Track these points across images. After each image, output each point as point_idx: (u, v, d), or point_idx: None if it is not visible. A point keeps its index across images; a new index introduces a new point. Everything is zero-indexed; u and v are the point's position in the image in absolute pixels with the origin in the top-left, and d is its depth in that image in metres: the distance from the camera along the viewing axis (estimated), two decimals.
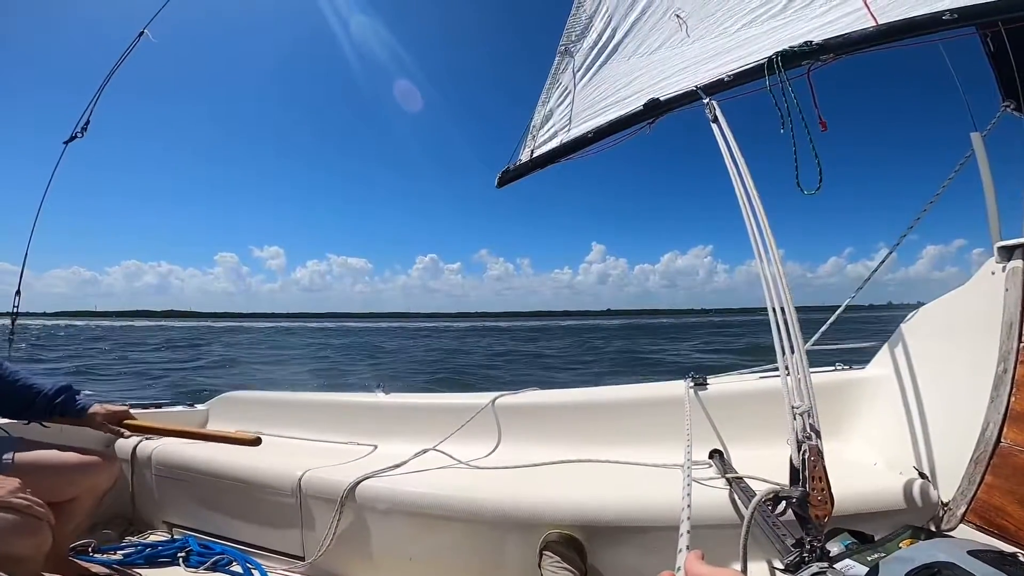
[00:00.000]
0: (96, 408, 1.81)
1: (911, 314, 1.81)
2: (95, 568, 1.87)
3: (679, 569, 0.71)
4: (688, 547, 0.80)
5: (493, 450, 2.36)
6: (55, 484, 1.62)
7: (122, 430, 1.83)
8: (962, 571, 0.83)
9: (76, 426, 1.82)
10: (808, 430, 1.09)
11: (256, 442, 1.79)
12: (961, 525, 1.32)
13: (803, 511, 0.96)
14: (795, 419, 1.12)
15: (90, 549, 2.10)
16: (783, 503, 0.99)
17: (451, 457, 2.21)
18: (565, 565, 1.56)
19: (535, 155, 2.98)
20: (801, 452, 1.04)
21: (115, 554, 2.11)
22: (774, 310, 1.32)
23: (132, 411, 2.82)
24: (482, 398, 2.51)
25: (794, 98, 2.02)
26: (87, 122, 3.03)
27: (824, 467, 1.02)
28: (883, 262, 2.35)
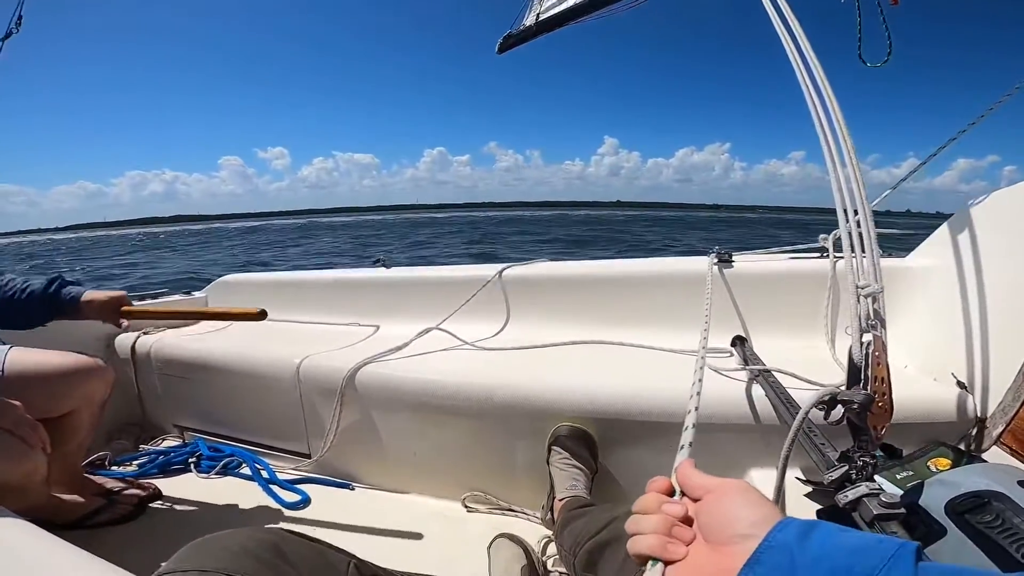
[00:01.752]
0: (91, 294, 1.65)
1: (969, 202, 1.55)
2: (112, 482, 1.82)
3: (674, 472, 0.56)
4: (691, 444, 0.64)
5: (501, 329, 2.26)
6: (47, 397, 1.51)
7: (121, 320, 1.68)
8: (1011, 503, 0.72)
9: (73, 320, 1.67)
10: (874, 317, 0.90)
11: (262, 315, 1.65)
12: (995, 447, 1.18)
13: (862, 420, 0.81)
14: (859, 302, 0.93)
15: (107, 463, 2.08)
16: (839, 408, 0.84)
17: (456, 337, 2.10)
18: (575, 462, 1.49)
19: (541, 18, 2.68)
20: (864, 345, 0.87)
21: (131, 465, 2.10)
22: (835, 171, 1.08)
23: (139, 303, 2.70)
24: (489, 270, 2.36)
25: None
26: (20, 16, 2.67)
27: (888, 365, 0.86)
28: (914, 171, 2.05)
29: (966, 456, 1.12)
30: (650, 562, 0.48)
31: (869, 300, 0.91)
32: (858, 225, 1.03)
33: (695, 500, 0.52)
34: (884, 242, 1.91)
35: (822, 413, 0.87)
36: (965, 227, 1.53)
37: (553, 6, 2.73)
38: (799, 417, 0.83)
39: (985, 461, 1.09)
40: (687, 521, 0.50)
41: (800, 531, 0.42)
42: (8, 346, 1.58)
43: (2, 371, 1.50)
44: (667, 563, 0.47)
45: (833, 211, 1.08)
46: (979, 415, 1.25)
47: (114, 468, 2.06)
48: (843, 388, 0.87)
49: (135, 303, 2.69)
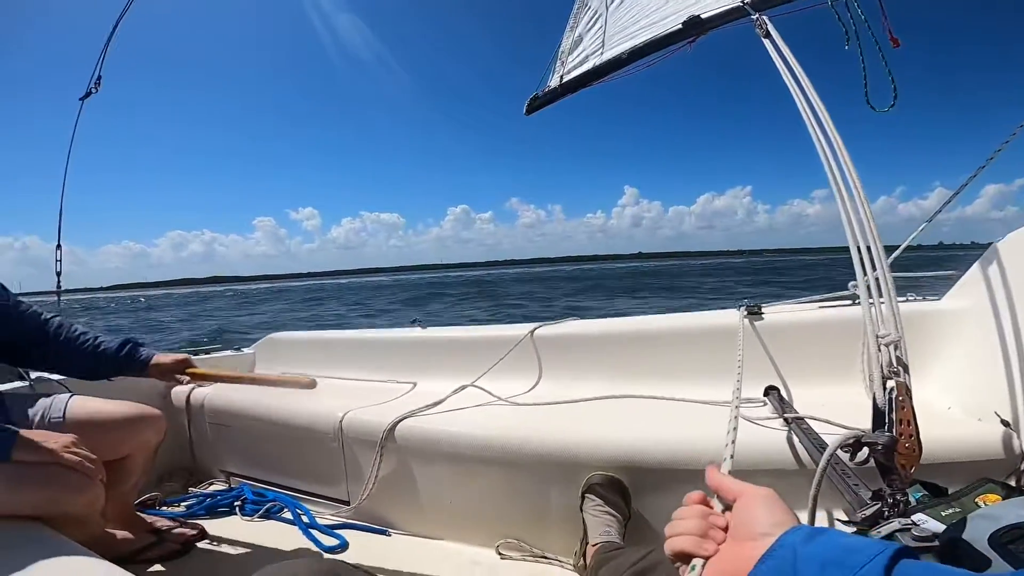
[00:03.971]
0: (159, 358, 1.80)
1: (1003, 239, 1.57)
2: (161, 521, 1.92)
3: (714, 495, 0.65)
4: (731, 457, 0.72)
5: (534, 385, 2.31)
6: (106, 441, 1.61)
7: (183, 377, 1.82)
8: None
9: (136, 378, 1.81)
10: (896, 364, 0.95)
11: (311, 385, 1.77)
12: None
13: (888, 460, 0.85)
14: (879, 351, 0.98)
15: (157, 503, 2.20)
16: (864, 449, 0.88)
17: (490, 393, 2.17)
18: (608, 509, 1.51)
19: (564, 80, 2.82)
20: (887, 391, 0.91)
21: (179, 506, 2.20)
22: (851, 223, 1.14)
23: (192, 357, 2.87)
24: (520, 329, 2.44)
25: (860, 12, 1.82)
26: (99, 77, 2.97)
27: (913, 408, 0.90)
28: (947, 203, 2.09)
29: (1016, 491, 1.12)
30: (693, 562, 0.56)
31: (891, 348, 0.96)
32: (875, 270, 1.08)
33: (727, 506, 0.61)
34: (921, 284, 1.93)
35: (861, 458, 0.91)
36: (996, 265, 1.55)
37: (575, 67, 2.88)
38: (824, 458, 0.87)
39: None
40: (720, 526, 0.59)
41: (808, 534, 0.50)
42: (70, 394, 1.72)
43: (63, 417, 1.63)
44: (704, 559, 0.56)
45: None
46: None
47: (164, 508, 2.16)
48: (868, 431, 0.91)
49: (189, 355, 2.85)
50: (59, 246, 2.88)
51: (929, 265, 2.02)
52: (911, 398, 0.91)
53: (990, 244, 1.58)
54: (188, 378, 1.82)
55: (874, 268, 1.10)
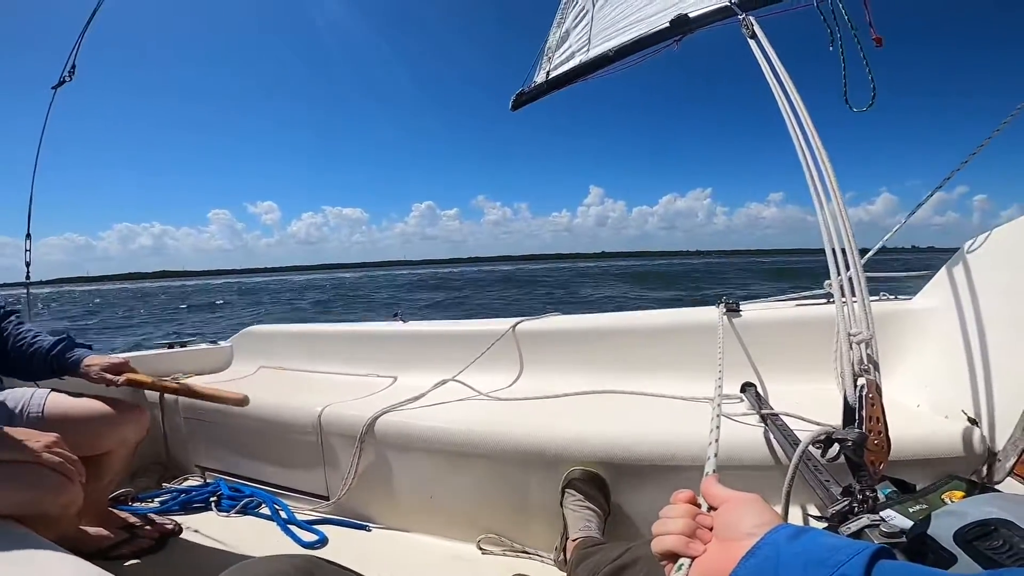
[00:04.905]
0: (91, 359, 1.73)
1: (969, 241, 1.62)
2: (134, 517, 1.89)
3: (701, 487, 0.68)
4: (715, 470, 0.74)
5: (515, 380, 2.31)
6: (86, 438, 1.59)
7: (116, 379, 1.74)
8: (1018, 529, 0.76)
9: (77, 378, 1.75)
10: (866, 362, 0.97)
11: (243, 402, 1.75)
12: (1008, 479, 1.22)
13: (858, 456, 0.86)
14: (851, 348, 1.00)
15: (130, 499, 2.16)
16: (835, 446, 0.89)
17: (471, 388, 2.17)
18: (588, 504, 1.52)
19: (551, 76, 2.82)
20: (858, 388, 0.93)
21: (152, 501, 2.17)
22: (825, 223, 1.17)
23: (155, 352, 2.82)
24: (502, 324, 2.44)
25: (844, 12, 1.83)
26: (73, 65, 2.94)
27: (883, 405, 0.92)
28: (922, 203, 2.12)
29: (979, 488, 1.14)
30: (680, 562, 0.57)
31: (862, 346, 0.97)
32: (848, 269, 1.10)
33: (714, 509, 0.63)
34: (895, 284, 1.96)
35: (832, 454, 0.93)
36: (966, 267, 1.59)
37: (562, 63, 2.88)
38: (796, 454, 0.89)
39: (999, 491, 1.12)
40: (707, 526, 0.61)
41: (791, 533, 0.52)
42: (48, 390, 1.68)
43: (42, 413, 1.60)
44: (691, 559, 0.57)
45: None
46: (991, 449, 1.29)
47: (136, 504, 2.12)
48: (839, 428, 0.92)
49: (164, 352, 2.80)
50: (28, 236, 2.84)
51: (877, 266, 2.06)
52: (881, 395, 0.92)
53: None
54: (121, 381, 1.74)
55: (848, 268, 1.12)
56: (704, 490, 0.66)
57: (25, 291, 2.93)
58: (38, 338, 1.71)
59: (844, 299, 1.08)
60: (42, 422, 1.56)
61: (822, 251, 1.17)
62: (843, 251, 1.15)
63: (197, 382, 2.46)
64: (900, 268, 2.08)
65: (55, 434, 1.37)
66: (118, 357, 1.80)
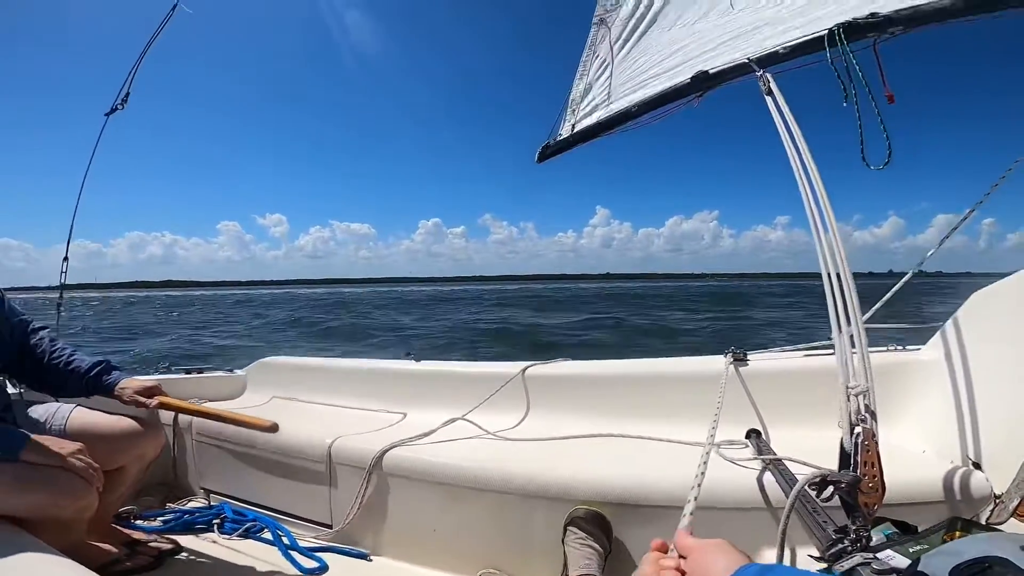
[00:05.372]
0: (126, 383, 1.81)
1: (974, 294, 1.67)
2: (137, 535, 1.92)
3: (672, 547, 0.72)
4: (692, 513, 0.78)
5: (522, 421, 2.33)
6: (105, 452, 1.63)
7: (150, 402, 1.82)
8: (1014, 567, 0.77)
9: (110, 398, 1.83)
10: (863, 411, 1.01)
11: (273, 428, 1.79)
12: (1012, 519, 1.24)
13: (852, 498, 0.89)
14: (849, 399, 1.04)
15: (132, 516, 2.18)
16: (830, 488, 0.92)
17: (479, 427, 2.19)
18: (590, 542, 1.53)
19: (576, 129, 2.90)
20: (854, 435, 0.96)
21: (156, 520, 2.18)
22: (830, 280, 1.23)
23: (172, 376, 2.88)
24: (512, 367, 2.48)
25: (859, 71, 1.90)
26: (127, 93, 3.03)
27: (878, 452, 0.94)
28: (948, 236, 2.16)
29: (981, 528, 1.14)
30: None
31: (860, 397, 1.01)
32: (850, 324, 1.15)
33: (685, 557, 0.67)
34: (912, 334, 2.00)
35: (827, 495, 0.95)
36: (967, 320, 1.66)
37: (586, 116, 2.96)
38: (792, 493, 0.91)
39: (999, 531, 1.12)
40: (672, 567, 0.66)
41: (756, 570, 0.56)
42: (73, 405, 1.75)
43: (64, 425, 1.67)
44: None
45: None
46: (994, 492, 1.31)
47: (140, 522, 2.15)
48: (835, 471, 0.95)
49: (179, 377, 2.86)
50: (66, 258, 2.91)
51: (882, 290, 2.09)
52: (877, 443, 0.95)
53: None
54: (154, 404, 1.82)
55: (849, 324, 1.17)
56: (676, 541, 0.70)
57: (57, 298, 2.97)
58: (75, 357, 1.79)
59: (845, 353, 1.13)
60: (64, 434, 1.61)
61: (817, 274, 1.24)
62: (845, 307, 1.20)
63: (210, 405, 2.50)
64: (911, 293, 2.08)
65: (80, 443, 1.43)
66: (150, 380, 1.87)
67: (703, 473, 0.92)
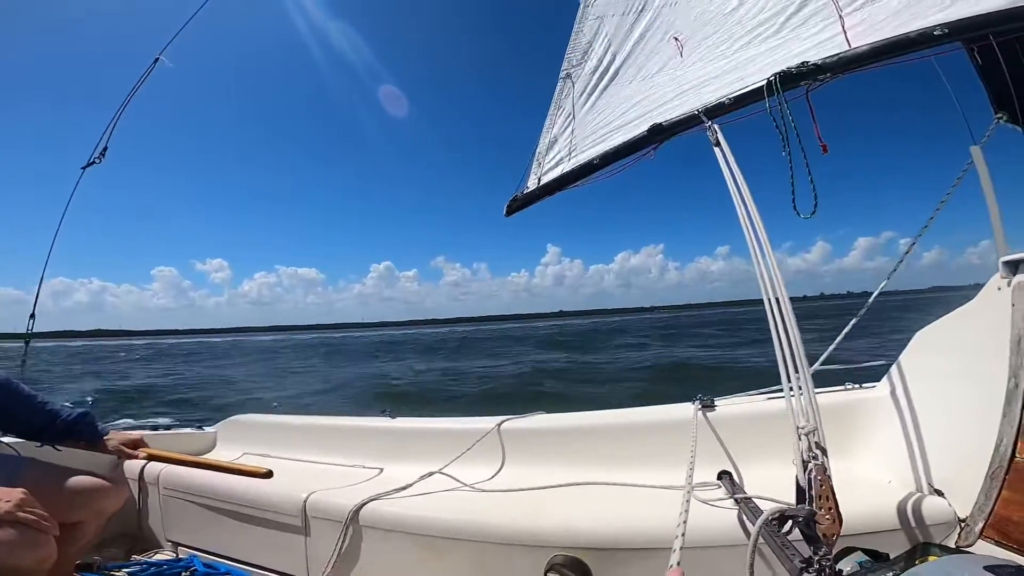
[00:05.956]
0: (113, 434, 1.86)
1: (919, 332, 1.78)
2: None
3: None
4: (679, 563, 0.81)
5: (498, 472, 2.35)
6: (62, 506, 1.62)
7: (138, 453, 1.85)
8: None
9: (86, 450, 1.85)
10: (814, 449, 1.08)
11: (268, 475, 1.80)
12: (980, 541, 1.30)
13: (810, 530, 0.95)
14: (800, 439, 1.12)
15: (95, 567, 2.11)
16: (789, 521, 0.98)
17: (456, 480, 2.20)
18: None
19: (542, 182, 3.01)
20: (807, 471, 1.04)
21: (120, 572, 2.12)
22: (778, 334, 1.32)
23: (152, 432, 2.86)
24: (487, 422, 2.51)
25: (792, 121, 2.04)
26: (105, 148, 3.05)
27: (831, 485, 1.01)
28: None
29: (951, 552, 1.20)
30: None
31: (809, 436, 1.09)
32: (797, 372, 1.24)
33: None
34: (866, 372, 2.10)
35: (786, 529, 1.01)
36: (916, 357, 1.77)
37: (551, 169, 3.07)
38: (754, 530, 0.97)
39: (968, 553, 1.18)
40: None
41: None
42: (28, 458, 1.76)
43: (19, 477, 1.63)
44: None
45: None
46: (959, 516, 1.37)
47: (101, 573, 2.07)
48: (792, 506, 1.01)
49: (149, 434, 2.84)
50: (36, 298, 2.91)
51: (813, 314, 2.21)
52: (829, 477, 1.02)
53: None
54: (141, 455, 1.85)
55: (796, 371, 1.26)
56: None
57: (24, 346, 2.93)
58: (53, 404, 1.80)
59: (794, 397, 1.21)
60: (17, 485, 1.61)
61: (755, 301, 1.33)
62: (792, 356, 1.28)
63: (229, 461, 2.48)
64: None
65: (22, 490, 1.42)
66: (136, 433, 1.89)
67: (687, 512, 0.98)
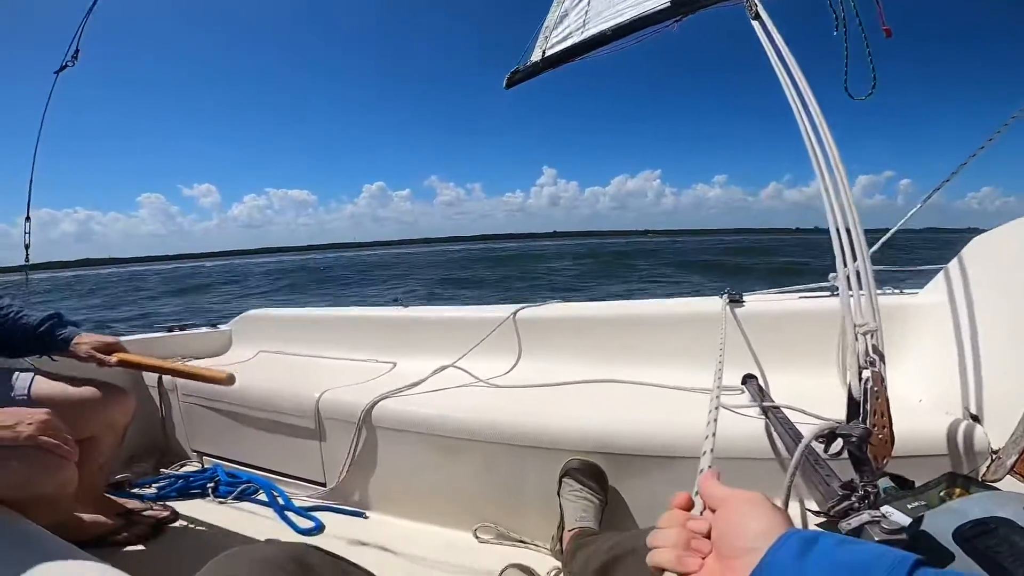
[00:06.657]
0: (82, 338, 1.70)
1: (975, 239, 1.60)
2: (131, 503, 1.89)
3: (696, 492, 0.60)
4: (710, 463, 0.69)
5: (514, 366, 2.31)
6: (71, 422, 1.56)
7: (109, 359, 1.72)
8: (1017, 527, 0.74)
9: (61, 357, 1.73)
10: (872, 353, 0.94)
11: (229, 380, 1.71)
12: (1008, 476, 1.18)
13: (862, 452, 0.84)
14: (857, 339, 0.97)
15: (128, 484, 2.16)
16: (838, 441, 0.87)
17: (470, 374, 2.16)
18: (585, 494, 1.51)
19: (547, 55, 2.77)
20: (863, 380, 0.91)
21: (150, 487, 2.17)
22: (833, 212, 1.13)
23: (155, 334, 2.81)
24: (502, 311, 2.44)
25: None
26: (77, 50, 2.84)
27: (887, 399, 0.90)
28: (931, 194, 2.11)
29: (979, 485, 1.13)
30: (666, 574, 0.51)
31: (867, 337, 0.95)
32: (856, 260, 1.07)
33: (713, 510, 0.55)
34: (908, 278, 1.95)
35: (835, 449, 0.91)
36: (970, 263, 1.58)
37: (558, 43, 2.82)
38: (798, 450, 0.87)
39: (999, 489, 1.10)
40: (706, 534, 0.53)
41: (799, 548, 0.44)
42: (33, 373, 1.66)
43: (28, 395, 1.59)
44: None
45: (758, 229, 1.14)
46: (991, 447, 1.26)
47: (134, 490, 2.12)
48: (843, 422, 0.90)
49: (160, 335, 2.78)
50: (28, 219, 2.81)
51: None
52: (886, 388, 0.90)
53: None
54: (113, 361, 1.72)
55: (855, 259, 1.09)
56: (701, 488, 0.58)
57: (25, 275, 2.90)
58: (23, 313, 1.68)
59: (851, 291, 1.04)
60: (30, 404, 1.54)
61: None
62: (850, 241, 1.11)
63: (195, 366, 2.45)
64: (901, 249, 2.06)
65: (45, 410, 1.35)
66: (109, 337, 1.77)
67: (715, 422, 0.87)
